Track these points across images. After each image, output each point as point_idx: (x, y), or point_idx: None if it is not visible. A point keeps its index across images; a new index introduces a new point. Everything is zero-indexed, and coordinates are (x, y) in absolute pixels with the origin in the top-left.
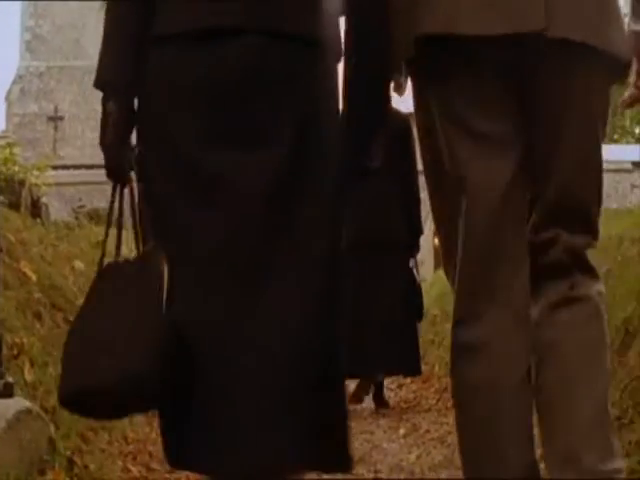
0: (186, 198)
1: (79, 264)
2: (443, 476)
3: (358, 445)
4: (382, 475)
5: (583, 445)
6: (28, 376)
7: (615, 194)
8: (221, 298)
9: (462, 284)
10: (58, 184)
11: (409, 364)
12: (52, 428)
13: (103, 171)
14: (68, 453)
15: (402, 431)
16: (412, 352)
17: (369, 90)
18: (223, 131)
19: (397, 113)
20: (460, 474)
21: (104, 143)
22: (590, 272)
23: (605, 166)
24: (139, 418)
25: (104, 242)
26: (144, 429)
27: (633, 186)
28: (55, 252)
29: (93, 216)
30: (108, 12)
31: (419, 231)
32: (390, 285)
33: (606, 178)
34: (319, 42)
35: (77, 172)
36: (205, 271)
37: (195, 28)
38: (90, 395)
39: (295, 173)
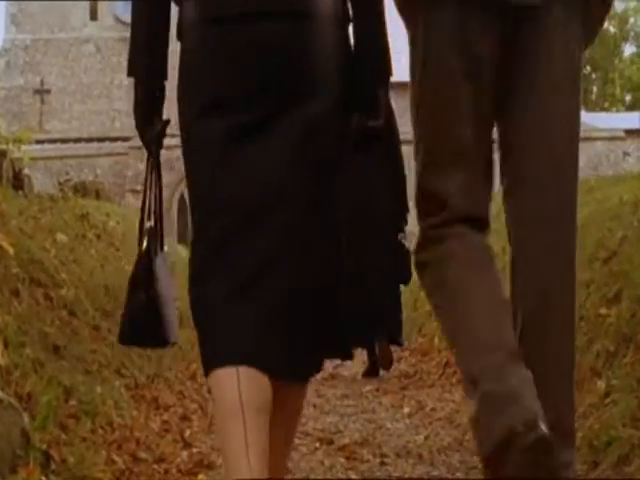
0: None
1: (61, 237)
2: (455, 460)
3: (360, 426)
4: (389, 460)
5: None
6: (2, 359)
7: (607, 162)
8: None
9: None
10: (45, 158)
11: (395, 336)
12: (26, 418)
13: (91, 144)
14: (44, 446)
15: (406, 410)
16: (398, 326)
17: (370, 43)
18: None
19: None
20: (472, 459)
21: (135, 122)
22: None
23: (597, 134)
24: (126, 401)
25: (142, 208)
26: (131, 413)
27: (625, 153)
28: (36, 225)
29: (79, 189)
30: (133, 5)
31: (406, 208)
32: (380, 262)
33: (598, 146)
34: (316, 14)
35: (64, 146)
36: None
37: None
38: None
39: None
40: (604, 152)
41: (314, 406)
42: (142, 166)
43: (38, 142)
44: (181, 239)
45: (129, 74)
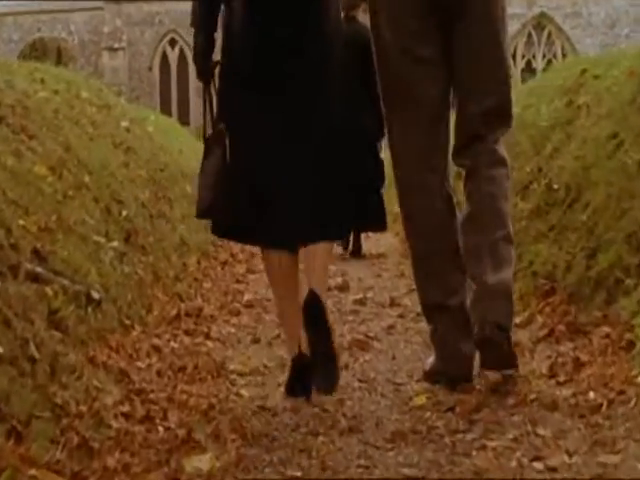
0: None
1: None
2: None
3: None
4: None
5: None
6: None
7: (626, 18)
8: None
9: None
10: (15, 14)
11: (380, 223)
12: None
13: None
14: None
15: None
16: (382, 214)
17: None
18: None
19: (364, 27)
20: None
21: (194, 60)
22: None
23: None
24: None
25: (204, 118)
26: None
27: None
28: None
29: (38, 47)
30: None
31: (382, 120)
32: (363, 161)
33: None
34: None
35: (36, 1)
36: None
37: None
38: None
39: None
40: (623, 8)
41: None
42: (120, 22)
43: None
44: (164, 102)
45: (191, 24)
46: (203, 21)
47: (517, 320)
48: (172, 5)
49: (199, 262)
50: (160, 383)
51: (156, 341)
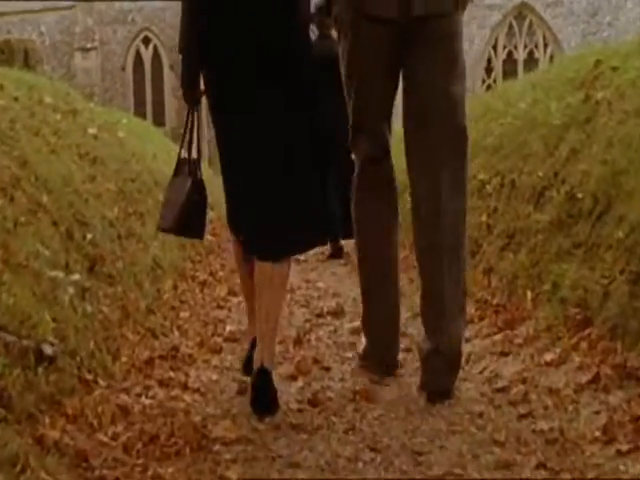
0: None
1: None
2: None
3: None
4: None
5: None
6: None
7: (608, 5)
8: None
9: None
10: None
11: (348, 231)
12: None
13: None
14: None
15: None
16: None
17: None
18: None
19: (333, 40)
20: None
21: (181, 85)
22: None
23: None
24: None
25: (181, 144)
26: None
27: None
28: None
29: (4, 49)
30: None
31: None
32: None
33: None
34: None
35: (5, 2)
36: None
37: None
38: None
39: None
40: None
41: None
42: (91, 21)
43: None
44: (138, 102)
45: (179, 51)
46: (189, 46)
47: (547, 358)
48: (145, 2)
49: (175, 286)
50: (127, 464)
51: (124, 398)
